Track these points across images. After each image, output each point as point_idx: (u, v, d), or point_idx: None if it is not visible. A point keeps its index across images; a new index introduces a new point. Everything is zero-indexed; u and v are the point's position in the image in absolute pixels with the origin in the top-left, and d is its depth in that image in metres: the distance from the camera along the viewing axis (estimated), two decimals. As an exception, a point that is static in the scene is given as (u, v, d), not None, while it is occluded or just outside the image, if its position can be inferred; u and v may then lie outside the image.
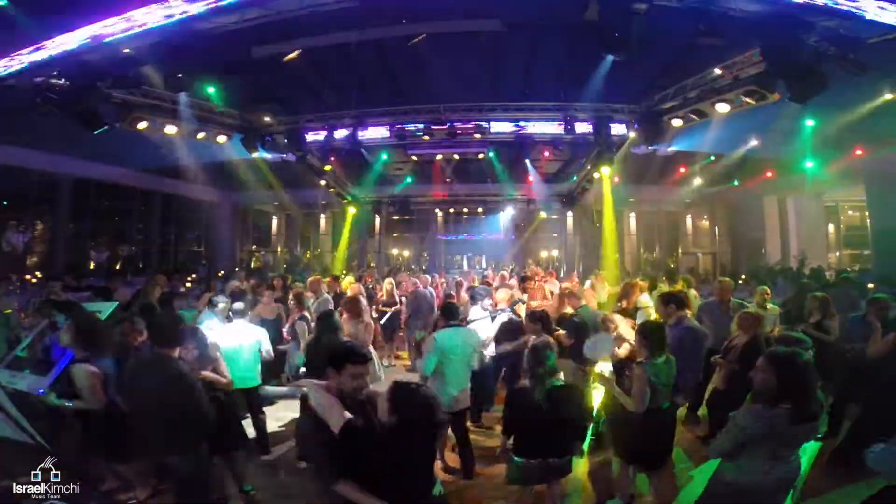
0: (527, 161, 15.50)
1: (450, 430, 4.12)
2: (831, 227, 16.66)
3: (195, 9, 6.16)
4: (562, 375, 3.48)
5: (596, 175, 12.83)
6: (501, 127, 10.92)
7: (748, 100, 7.49)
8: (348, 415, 2.07)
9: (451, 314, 4.27)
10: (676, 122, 9.02)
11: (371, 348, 4.67)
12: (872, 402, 4.06)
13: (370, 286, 9.09)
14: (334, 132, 11.14)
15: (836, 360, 4.67)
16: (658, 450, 3.46)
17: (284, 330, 5.84)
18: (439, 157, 14.83)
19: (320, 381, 2.32)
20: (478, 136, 10.89)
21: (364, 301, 6.39)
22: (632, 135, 10.45)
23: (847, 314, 5.01)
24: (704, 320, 5.27)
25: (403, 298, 8.46)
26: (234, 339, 4.27)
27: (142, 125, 8.90)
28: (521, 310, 5.85)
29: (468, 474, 4.10)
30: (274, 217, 21.23)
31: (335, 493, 2.05)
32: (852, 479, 3.59)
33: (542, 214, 18.14)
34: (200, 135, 9.98)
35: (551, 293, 7.24)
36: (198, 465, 2.97)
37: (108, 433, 3.25)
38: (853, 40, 5.91)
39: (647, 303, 6.17)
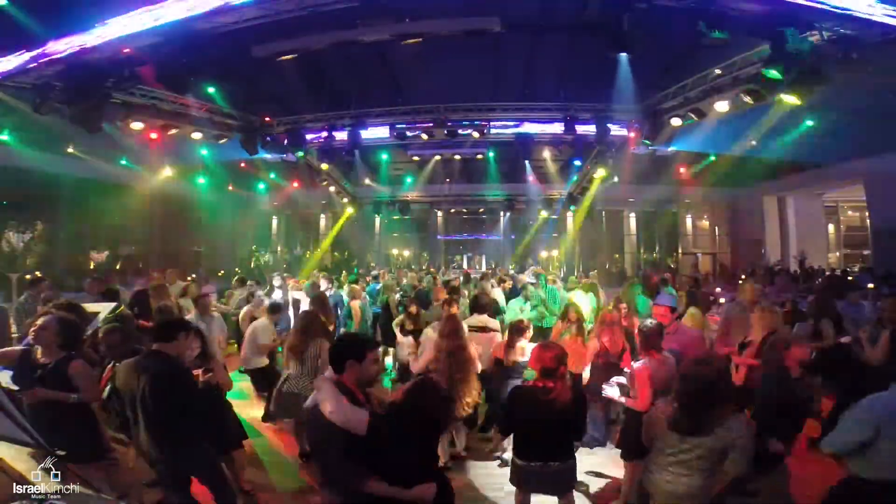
0: (526, 161, 15.50)
1: None
2: (831, 227, 16.68)
3: (195, 9, 6.16)
4: None
5: (596, 175, 12.84)
6: (501, 127, 10.93)
7: (748, 99, 7.49)
8: (366, 413, 2.12)
9: None
10: (676, 122, 9.02)
11: None
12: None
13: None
14: (334, 132, 11.14)
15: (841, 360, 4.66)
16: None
17: None
18: (439, 157, 14.85)
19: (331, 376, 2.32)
20: (478, 136, 10.90)
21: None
22: (631, 135, 10.45)
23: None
24: None
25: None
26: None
27: (141, 125, 8.91)
28: None
29: None
30: (274, 217, 21.23)
31: (355, 494, 2.07)
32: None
33: (543, 214, 18.15)
34: (200, 135, 9.98)
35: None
36: (200, 461, 2.97)
37: (85, 431, 3.24)
38: (853, 40, 5.92)
39: None
